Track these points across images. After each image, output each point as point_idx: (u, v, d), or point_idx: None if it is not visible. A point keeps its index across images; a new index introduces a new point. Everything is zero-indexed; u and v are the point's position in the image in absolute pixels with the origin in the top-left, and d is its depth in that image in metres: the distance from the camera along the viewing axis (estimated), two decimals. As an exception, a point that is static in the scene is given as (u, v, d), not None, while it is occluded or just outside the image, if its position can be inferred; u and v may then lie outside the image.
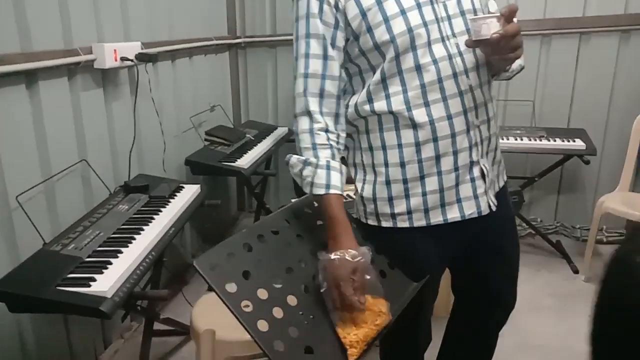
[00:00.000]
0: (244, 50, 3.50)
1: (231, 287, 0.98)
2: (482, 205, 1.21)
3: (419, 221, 1.20)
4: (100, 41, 1.98)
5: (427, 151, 1.15)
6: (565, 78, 2.99)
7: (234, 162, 2.51)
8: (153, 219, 1.80)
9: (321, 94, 1.17)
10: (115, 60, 1.98)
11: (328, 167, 1.14)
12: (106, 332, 2.18)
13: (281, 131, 3.23)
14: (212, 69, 3.15)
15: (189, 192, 2.10)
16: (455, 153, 1.16)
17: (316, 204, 1.24)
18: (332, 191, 1.14)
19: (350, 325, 1.07)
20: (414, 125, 1.14)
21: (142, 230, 1.71)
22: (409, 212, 1.20)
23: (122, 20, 2.17)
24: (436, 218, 1.20)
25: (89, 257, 1.51)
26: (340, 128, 1.20)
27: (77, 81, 1.90)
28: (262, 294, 1.02)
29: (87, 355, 2.04)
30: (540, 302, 2.55)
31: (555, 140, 2.77)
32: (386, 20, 1.10)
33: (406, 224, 1.21)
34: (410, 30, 1.10)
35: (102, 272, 1.42)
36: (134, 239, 1.64)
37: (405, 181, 1.18)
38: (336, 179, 1.15)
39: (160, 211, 1.88)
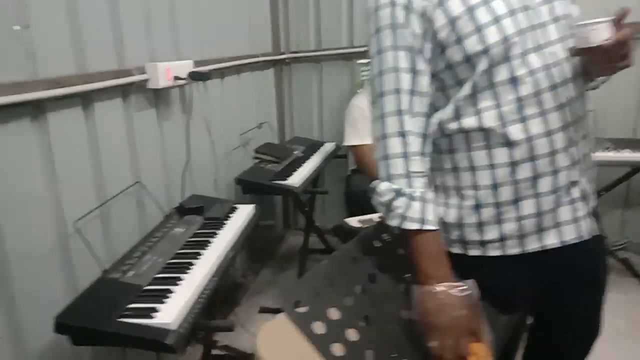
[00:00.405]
0: (288, 66, 3.45)
1: (319, 328, 0.89)
2: (584, 229, 1.09)
3: (513, 249, 1.09)
4: (152, 60, 1.94)
5: (524, 171, 1.04)
6: (629, 86, 2.82)
7: (284, 181, 2.44)
8: (210, 242, 1.74)
9: (411, 113, 1.06)
10: (168, 79, 1.93)
11: (423, 200, 1.04)
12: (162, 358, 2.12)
13: (329, 147, 3.15)
14: (258, 86, 3.10)
15: (244, 213, 2.03)
16: (554, 173, 1.04)
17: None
18: (426, 227, 1.04)
19: None
20: (509, 143, 1.03)
21: (200, 255, 1.64)
22: (502, 238, 1.08)
23: (172, 39, 2.13)
24: (532, 245, 1.08)
25: (149, 284, 1.45)
26: (428, 152, 1.10)
27: (131, 101, 1.86)
28: (351, 335, 0.93)
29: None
30: (614, 326, 2.37)
31: (622, 152, 2.60)
32: (479, 29, 1.00)
33: (498, 252, 1.10)
34: (506, 39, 0.99)
35: (163, 302, 1.35)
36: (193, 264, 1.57)
37: (497, 205, 1.07)
38: (431, 213, 1.05)
39: (217, 234, 1.81)
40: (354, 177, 2.71)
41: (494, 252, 1.10)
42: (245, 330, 2.29)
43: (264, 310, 2.69)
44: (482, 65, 1.01)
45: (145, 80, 1.87)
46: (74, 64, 1.59)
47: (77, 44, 1.59)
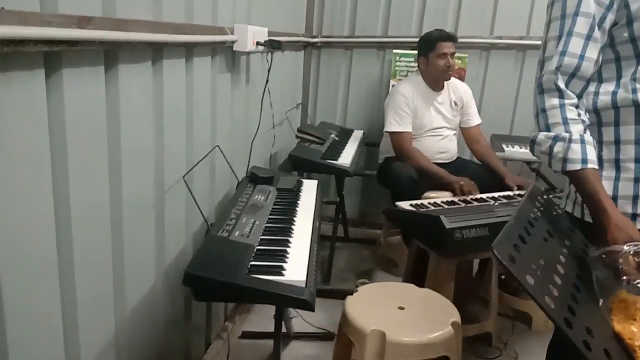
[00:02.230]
0: (318, 50, 3.43)
1: (530, 279, 0.90)
2: None
3: None
4: (233, 23, 1.88)
5: None
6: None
7: (336, 161, 2.42)
8: (296, 210, 1.71)
9: (573, 74, 1.11)
10: (253, 44, 1.89)
11: (582, 141, 1.08)
12: (207, 332, 2.05)
13: (359, 134, 3.15)
14: (292, 66, 3.06)
15: (311, 188, 2.01)
16: None
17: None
18: (589, 165, 1.07)
19: (631, 325, 0.99)
20: None
21: (294, 220, 1.61)
22: None
23: (247, 4, 2.08)
24: None
25: (260, 244, 1.41)
26: (584, 110, 1.14)
27: (217, 62, 1.80)
28: (553, 290, 0.94)
29: (195, 354, 1.91)
30: None
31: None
32: None
33: None
34: None
35: (285, 261, 1.32)
36: (292, 229, 1.54)
37: None
38: (592, 153, 1.09)
39: (297, 204, 1.78)
40: (393, 164, 2.72)
41: None
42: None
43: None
44: None
45: (233, 42, 1.82)
46: (184, 13, 1.53)
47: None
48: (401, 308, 1.60)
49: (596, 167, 1.10)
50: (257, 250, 1.37)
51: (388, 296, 1.67)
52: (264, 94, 2.12)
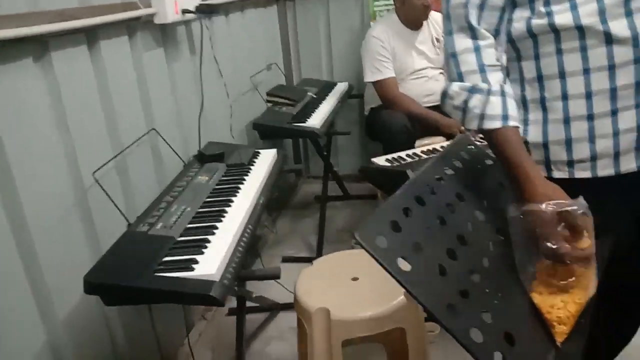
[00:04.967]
0: (292, 2, 3.22)
1: (404, 265, 0.76)
2: None
3: (605, 169, 0.96)
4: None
5: (625, 76, 0.89)
6: None
7: (304, 123, 2.28)
8: (239, 189, 1.60)
9: (482, 5, 0.93)
10: (176, 13, 1.74)
11: (503, 94, 0.92)
12: (187, 314, 2.02)
13: (342, 87, 2.98)
14: (262, 24, 2.89)
15: (267, 158, 1.89)
16: None
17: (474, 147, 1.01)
18: (510, 123, 0.91)
19: (552, 296, 0.85)
20: (609, 42, 0.88)
21: (232, 202, 1.51)
22: (593, 157, 0.95)
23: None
24: (628, 165, 0.95)
25: (181, 235, 1.32)
26: (501, 48, 0.96)
27: (137, 39, 1.68)
28: (442, 271, 0.80)
29: (174, 340, 1.88)
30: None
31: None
32: None
33: (588, 174, 0.97)
34: None
35: (202, 253, 1.23)
36: (226, 212, 1.44)
37: (590, 117, 0.93)
38: (513, 107, 0.92)
39: (244, 180, 1.67)
40: (382, 114, 2.55)
41: (582, 173, 0.97)
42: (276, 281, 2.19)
43: (287, 259, 2.60)
44: None
45: (152, 15, 1.68)
46: (75, -5, 1.40)
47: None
48: (355, 279, 1.49)
49: (518, 124, 0.93)
50: (176, 242, 1.28)
51: (344, 267, 1.56)
52: (201, 64, 1.98)
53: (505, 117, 0.91)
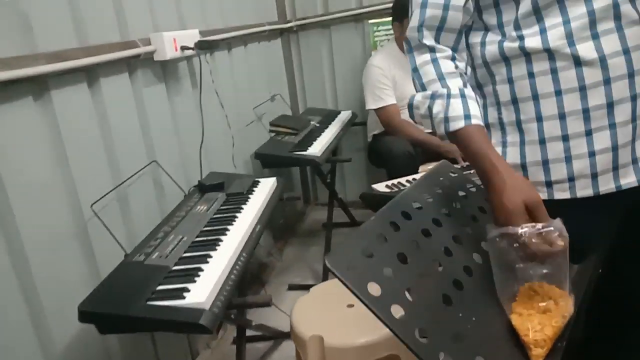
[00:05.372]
0: (296, 35, 3.30)
1: (375, 289, 0.78)
2: None
3: (584, 190, 0.96)
4: (156, 31, 1.81)
5: (596, 97, 0.90)
6: None
7: (305, 151, 2.32)
8: (236, 217, 1.63)
9: (440, 27, 0.97)
10: (175, 50, 1.81)
11: (463, 95, 0.94)
12: (192, 343, 2.04)
13: (345, 115, 3.02)
14: (266, 57, 2.96)
15: (267, 187, 1.92)
16: (634, 99, 0.91)
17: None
18: (473, 122, 0.92)
19: (530, 319, 0.85)
20: (578, 64, 0.90)
21: (228, 230, 1.54)
22: (571, 178, 0.96)
23: (175, 7, 2.00)
24: (607, 185, 0.95)
25: (176, 265, 1.35)
26: (462, 63, 1.00)
27: (138, 76, 1.74)
28: (413, 296, 0.81)
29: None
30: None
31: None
32: None
33: (566, 195, 0.97)
34: None
35: (194, 281, 1.25)
36: (221, 240, 1.47)
37: (566, 138, 0.94)
38: (475, 107, 0.94)
39: (242, 209, 1.70)
40: (385, 141, 2.58)
41: (561, 194, 0.98)
42: (277, 308, 2.20)
43: (293, 287, 2.61)
44: None
45: (152, 52, 1.75)
46: (75, 36, 1.47)
47: (75, 13, 1.47)
48: (350, 306, 1.50)
49: (481, 123, 0.95)
50: (170, 272, 1.31)
51: (340, 294, 1.55)
52: (200, 96, 2.03)
53: (467, 117, 0.93)
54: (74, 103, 1.45)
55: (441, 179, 1.09)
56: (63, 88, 1.40)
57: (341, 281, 0.76)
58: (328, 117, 2.94)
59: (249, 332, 2.08)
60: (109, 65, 1.58)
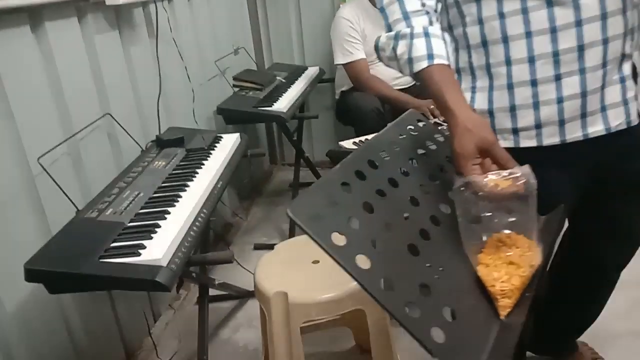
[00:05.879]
0: (261, -14, 3.16)
1: (339, 239, 0.73)
2: (632, 113, 0.94)
3: (551, 138, 0.93)
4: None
5: (567, 40, 0.86)
6: None
7: (270, 107, 2.24)
8: (196, 173, 1.56)
9: None
10: (128, -7, 1.68)
11: (427, 34, 0.89)
12: (154, 304, 1.99)
13: (312, 71, 2.93)
14: (230, 7, 2.82)
15: (229, 142, 1.84)
16: (605, 42, 0.87)
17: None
18: (437, 61, 0.87)
19: (497, 269, 0.82)
20: (550, 4, 0.85)
21: (187, 186, 1.47)
22: (538, 125, 0.93)
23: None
24: (574, 133, 0.93)
25: (131, 221, 1.28)
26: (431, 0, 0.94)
27: (88, 21, 1.62)
28: (379, 246, 0.77)
29: (138, 330, 1.85)
30: None
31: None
32: None
33: (533, 142, 0.94)
34: None
35: (151, 237, 1.19)
36: (180, 196, 1.40)
37: (534, 83, 0.90)
38: (440, 46, 0.89)
39: (203, 164, 1.63)
40: (353, 97, 2.52)
41: (528, 142, 0.95)
42: (242, 267, 2.16)
43: (259, 246, 2.57)
44: None
45: (103, -5, 1.62)
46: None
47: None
48: (315, 262, 1.47)
49: (445, 62, 0.90)
50: (125, 228, 1.24)
51: (305, 251, 1.53)
52: (157, 45, 1.92)
53: (430, 57, 0.88)
54: (15, 47, 1.33)
55: (409, 127, 1.04)
56: (2, 30, 1.28)
57: (304, 231, 0.71)
58: (295, 73, 2.85)
59: (214, 292, 2.04)
60: (55, 8, 1.45)
